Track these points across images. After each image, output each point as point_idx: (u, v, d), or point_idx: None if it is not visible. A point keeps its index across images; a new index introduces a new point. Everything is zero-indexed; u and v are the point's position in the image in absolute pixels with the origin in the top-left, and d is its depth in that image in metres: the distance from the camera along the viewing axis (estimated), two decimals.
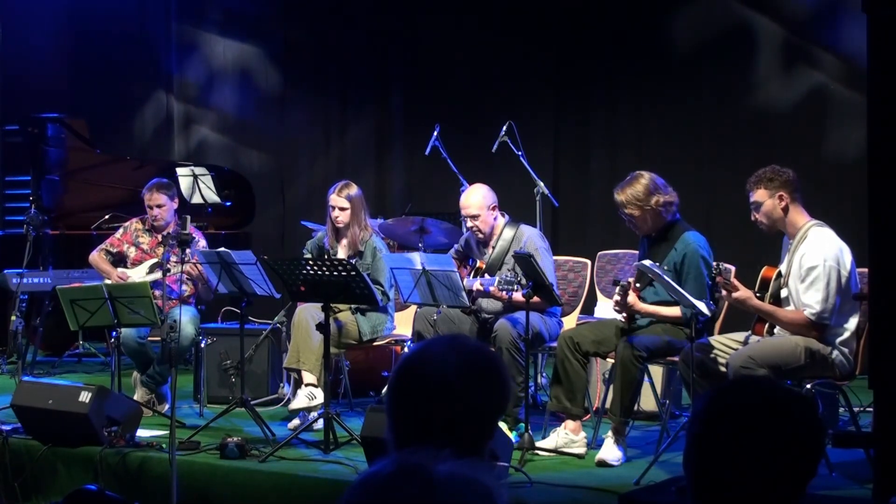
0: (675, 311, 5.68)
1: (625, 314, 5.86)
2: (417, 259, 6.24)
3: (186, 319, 6.70)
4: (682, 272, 5.71)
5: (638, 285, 5.85)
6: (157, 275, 7.00)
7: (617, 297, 5.80)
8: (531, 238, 6.45)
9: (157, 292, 6.61)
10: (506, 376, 2.08)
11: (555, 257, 6.75)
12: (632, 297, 5.75)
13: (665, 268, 5.69)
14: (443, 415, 1.97)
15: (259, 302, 6.72)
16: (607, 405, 5.94)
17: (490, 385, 2.03)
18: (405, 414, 2.00)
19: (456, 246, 6.92)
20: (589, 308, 7.20)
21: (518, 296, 5.97)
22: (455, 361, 2.00)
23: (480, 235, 6.56)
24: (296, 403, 6.41)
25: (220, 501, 5.52)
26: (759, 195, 5.45)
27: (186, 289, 7.11)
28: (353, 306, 6.60)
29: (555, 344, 6.05)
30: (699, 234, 5.86)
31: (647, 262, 5.57)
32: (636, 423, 6.08)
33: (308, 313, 6.45)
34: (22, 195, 10.93)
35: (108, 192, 9.57)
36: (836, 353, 5.35)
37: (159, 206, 7.22)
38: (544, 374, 7.22)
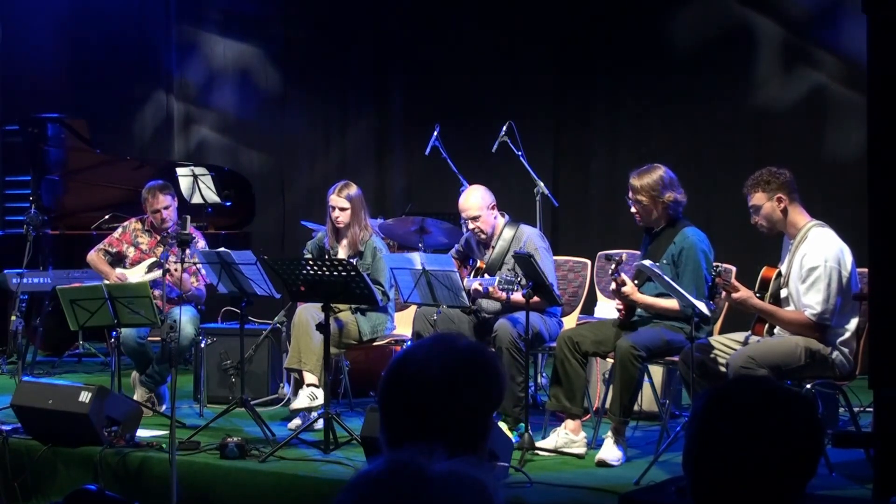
0: (673, 302, 5.69)
1: (623, 307, 5.86)
2: (417, 259, 6.24)
3: (186, 319, 6.70)
4: (680, 264, 5.73)
5: (636, 282, 5.86)
6: (156, 274, 7.00)
7: (612, 287, 5.82)
8: (531, 238, 6.45)
9: (157, 292, 6.61)
10: (497, 372, 2.05)
11: (555, 257, 6.76)
12: (629, 287, 5.75)
13: (664, 261, 5.71)
14: (434, 414, 1.96)
15: (259, 302, 6.72)
16: (607, 405, 5.94)
17: (480, 382, 2.02)
18: (397, 416, 1.99)
19: (457, 246, 6.92)
20: (589, 308, 7.20)
21: (518, 296, 5.97)
22: (443, 360, 1.99)
23: (483, 236, 6.56)
24: (297, 403, 6.41)
25: (220, 501, 5.52)
26: (757, 199, 5.45)
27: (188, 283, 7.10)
28: (353, 306, 6.60)
29: (555, 344, 6.05)
30: (699, 230, 5.88)
31: (647, 262, 5.59)
32: (636, 423, 6.07)
33: (308, 313, 6.45)
34: (22, 195, 10.94)
35: (108, 192, 9.57)
36: (836, 353, 5.35)
37: (166, 208, 7.18)
38: (544, 374, 7.22)
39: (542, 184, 7.57)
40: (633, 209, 5.90)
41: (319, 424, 6.07)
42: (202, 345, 7.13)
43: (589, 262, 7.15)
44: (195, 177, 9.17)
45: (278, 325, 7.27)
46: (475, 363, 2.03)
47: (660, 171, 5.83)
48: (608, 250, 7.31)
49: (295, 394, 6.70)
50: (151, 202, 7.20)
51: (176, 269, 6.52)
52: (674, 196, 5.81)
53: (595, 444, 5.86)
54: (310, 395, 6.34)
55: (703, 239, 5.82)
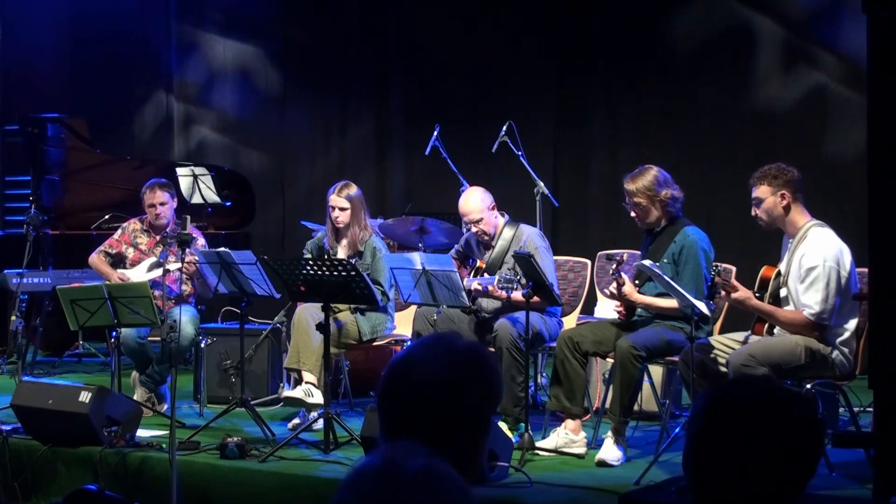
0: (672, 302, 5.68)
1: (623, 308, 5.87)
2: (417, 259, 6.24)
3: (186, 319, 6.70)
4: (680, 263, 5.73)
5: (637, 282, 5.87)
6: (156, 273, 7.00)
7: (612, 290, 5.82)
8: (531, 237, 6.45)
9: (157, 292, 6.61)
10: (494, 371, 2.05)
11: (555, 257, 6.75)
12: (628, 287, 5.75)
13: (664, 260, 5.71)
14: (433, 415, 1.96)
15: (259, 302, 6.72)
16: (607, 405, 5.94)
17: (481, 381, 2.01)
18: (396, 416, 2.00)
19: (456, 246, 6.92)
20: (589, 308, 7.19)
21: (517, 295, 5.97)
22: (443, 360, 1.99)
23: (486, 237, 6.55)
24: (291, 392, 6.38)
25: (220, 501, 5.52)
26: (761, 191, 5.45)
27: (186, 288, 7.11)
28: (352, 306, 6.60)
29: (555, 344, 6.05)
30: (699, 229, 5.88)
31: (646, 262, 5.59)
32: (636, 423, 6.07)
33: (308, 313, 6.45)
34: (22, 195, 10.94)
35: (108, 192, 9.58)
36: (836, 353, 5.35)
37: (162, 204, 7.21)
38: (544, 374, 7.22)
39: (542, 184, 7.57)
40: (632, 213, 5.90)
41: (319, 424, 6.06)
42: (202, 345, 7.13)
43: (589, 262, 7.15)
44: (195, 177, 9.17)
45: (278, 325, 7.27)
46: (475, 363, 2.03)
47: (653, 171, 5.84)
48: (608, 250, 7.32)
49: None
50: (149, 196, 7.24)
51: (187, 267, 6.53)
52: (670, 192, 5.81)
53: (595, 444, 5.86)
54: (305, 391, 6.33)
55: (704, 238, 5.82)
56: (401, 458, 1.54)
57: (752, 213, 5.53)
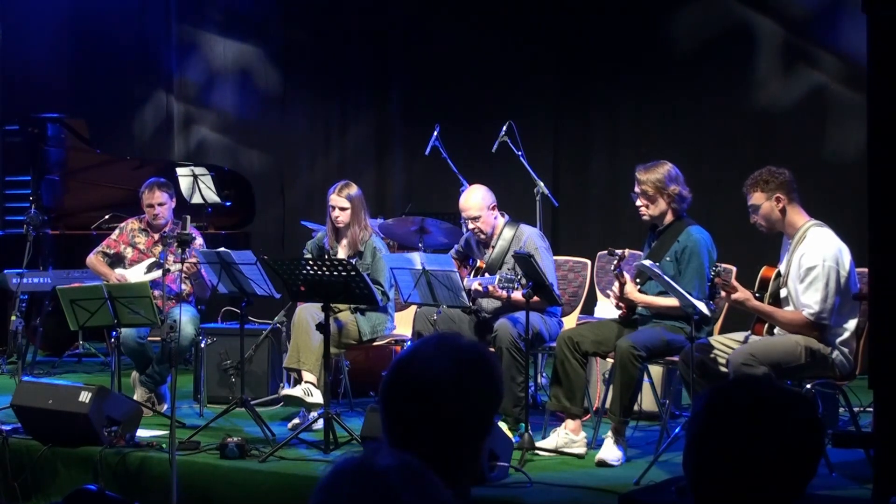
0: (674, 301, 5.68)
1: (623, 306, 5.87)
2: (417, 259, 6.24)
3: (186, 319, 6.70)
4: (682, 261, 5.73)
5: (638, 281, 5.87)
6: (155, 274, 7.00)
7: (615, 290, 5.82)
8: (531, 237, 6.45)
9: (157, 292, 6.61)
10: (497, 372, 2.07)
11: (555, 257, 6.75)
12: (630, 287, 5.75)
13: (667, 258, 5.72)
14: (436, 415, 1.97)
15: (259, 302, 6.72)
16: (607, 405, 5.94)
17: (484, 381, 2.02)
18: (400, 415, 2.00)
19: (456, 246, 6.93)
20: (589, 308, 7.19)
21: (517, 295, 5.97)
22: (444, 361, 2.00)
23: (482, 236, 6.56)
24: (291, 391, 6.37)
25: (220, 501, 5.52)
26: (755, 198, 5.45)
27: (185, 287, 7.10)
28: (352, 306, 6.60)
29: (555, 344, 6.05)
30: (704, 229, 5.88)
31: (647, 263, 5.59)
32: (636, 423, 6.07)
33: (308, 313, 6.45)
34: (22, 195, 10.93)
35: (108, 192, 9.58)
36: (836, 353, 5.35)
37: (161, 205, 7.23)
38: (544, 374, 7.22)
39: (542, 184, 7.57)
40: (637, 202, 5.90)
41: (319, 424, 6.06)
42: (202, 345, 7.13)
43: (589, 262, 7.15)
44: (195, 177, 9.18)
45: (278, 325, 7.27)
46: (479, 363, 2.04)
47: (667, 166, 5.86)
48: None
49: None
50: (148, 196, 7.25)
51: (188, 267, 6.53)
52: (678, 189, 5.82)
53: (595, 444, 5.86)
54: (305, 390, 6.32)
55: (708, 237, 5.83)
56: (374, 455, 1.56)
57: (752, 221, 5.53)
